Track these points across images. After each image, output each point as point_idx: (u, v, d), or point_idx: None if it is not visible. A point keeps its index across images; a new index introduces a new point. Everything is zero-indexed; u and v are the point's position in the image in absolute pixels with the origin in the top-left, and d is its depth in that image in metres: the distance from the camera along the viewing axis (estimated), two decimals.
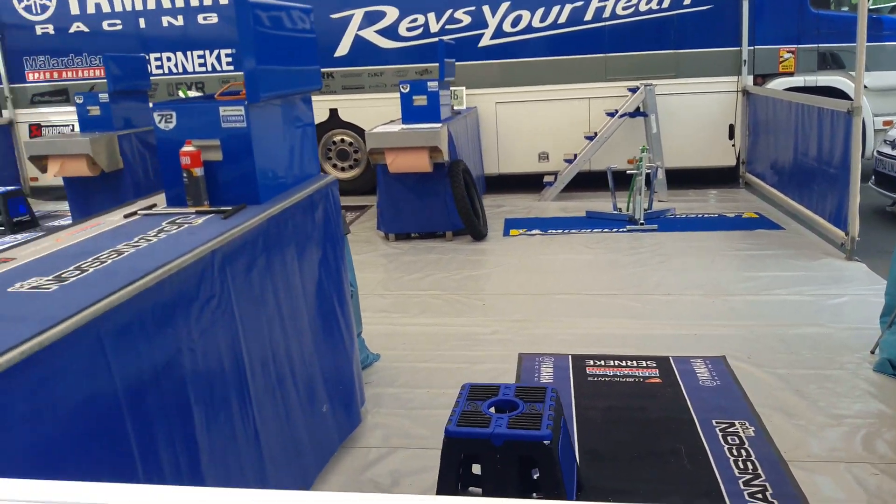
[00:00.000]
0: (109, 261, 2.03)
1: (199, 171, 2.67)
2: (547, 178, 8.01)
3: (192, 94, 7.76)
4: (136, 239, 2.27)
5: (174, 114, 2.69)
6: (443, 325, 4.36)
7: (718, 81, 7.88)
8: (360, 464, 2.91)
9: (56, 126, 8.80)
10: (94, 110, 6.42)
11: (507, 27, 8.11)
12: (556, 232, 6.47)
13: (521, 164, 8.35)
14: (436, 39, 8.09)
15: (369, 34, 8.24)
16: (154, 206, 2.76)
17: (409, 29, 8.21)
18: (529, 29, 8.08)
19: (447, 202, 6.28)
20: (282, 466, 2.50)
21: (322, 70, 3.45)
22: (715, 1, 7.69)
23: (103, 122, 6.40)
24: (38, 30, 8.63)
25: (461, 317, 4.52)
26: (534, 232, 6.51)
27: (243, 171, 2.71)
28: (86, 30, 8.51)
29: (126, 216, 2.62)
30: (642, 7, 7.82)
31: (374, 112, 7.84)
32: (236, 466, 2.22)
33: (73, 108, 8.55)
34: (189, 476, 1.96)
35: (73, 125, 8.65)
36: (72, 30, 8.55)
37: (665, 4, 7.77)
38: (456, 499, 0.84)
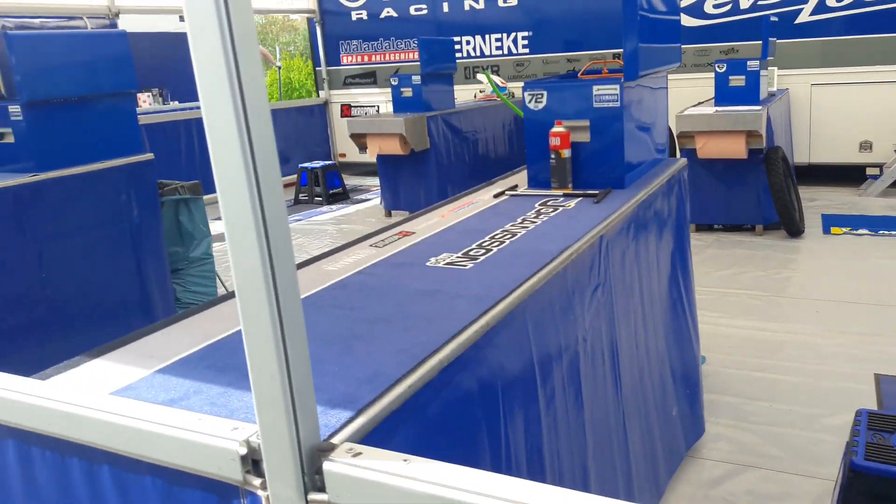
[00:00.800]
0: (507, 241, 2.02)
1: (566, 153, 2.60)
2: (870, 171, 7.03)
3: (495, 77, 7.92)
4: (519, 220, 2.25)
5: (545, 93, 2.65)
6: (772, 331, 3.94)
7: None
8: (707, 477, 2.69)
9: (363, 106, 9.53)
10: (407, 92, 6.81)
11: (830, 2, 7.22)
12: (888, 233, 5.63)
13: (837, 154, 7.41)
14: (744, 17, 7.47)
15: None
16: (516, 186, 2.76)
17: (715, 6, 7.64)
18: (858, 3, 7.12)
19: (760, 193, 5.74)
20: (641, 468, 2.36)
21: None
22: None
23: (414, 104, 6.76)
24: (354, 16, 9.39)
25: (792, 322, 4.06)
26: (860, 231, 5.72)
27: (611, 153, 2.60)
28: (395, 15, 9.08)
29: (495, 196, 2.63)
30: None
31: (670, 94, 7.40)
32: (609, 463, 2.12)
33: (378, 90, 9.24)
34: (579, 464, 1.89)
35: (378, 106, 9.30)
36: (382, 15, 9.18)
37: None
38: None
